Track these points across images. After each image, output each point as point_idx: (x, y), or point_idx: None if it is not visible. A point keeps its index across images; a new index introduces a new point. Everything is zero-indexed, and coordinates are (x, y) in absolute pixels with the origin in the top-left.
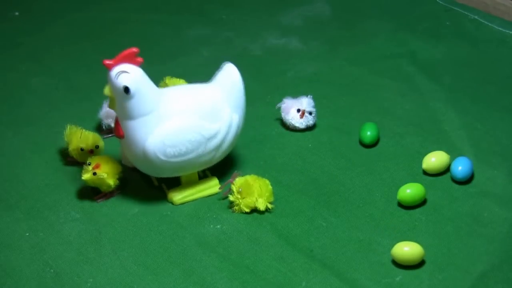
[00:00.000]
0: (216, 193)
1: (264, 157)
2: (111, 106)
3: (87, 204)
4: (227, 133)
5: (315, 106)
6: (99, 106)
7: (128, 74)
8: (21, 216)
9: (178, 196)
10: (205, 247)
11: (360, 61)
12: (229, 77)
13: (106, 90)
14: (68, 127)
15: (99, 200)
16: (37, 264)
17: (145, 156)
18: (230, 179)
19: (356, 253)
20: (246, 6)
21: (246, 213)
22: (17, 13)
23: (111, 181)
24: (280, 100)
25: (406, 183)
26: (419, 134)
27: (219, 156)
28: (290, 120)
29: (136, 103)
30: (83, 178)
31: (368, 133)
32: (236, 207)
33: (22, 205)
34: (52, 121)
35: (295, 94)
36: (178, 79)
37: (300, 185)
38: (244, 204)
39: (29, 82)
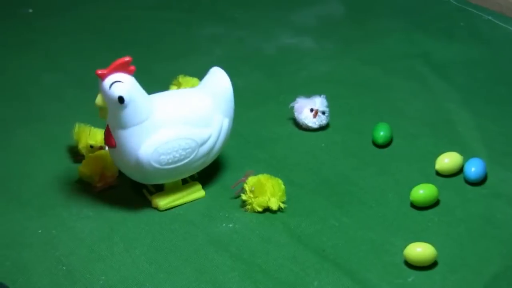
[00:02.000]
0: (202, 198)
1: (277, 157)
2: (101, 115)
3: (99, 201)
4: (218, 138)
5: (328, 106)
6: None
7: (122, 83)
8: (33, 213)
9: (163, 202)
10: (217, 246)
11: (373, 61)
12: (219, 81)
13: (98, 100)
14: (77, 125)
15: (98, 188)
16: (49, 261)
17: (138, 165)
18: (243, 178)
19: (369, 254)
20: (259, 5)
21: (259, 212)
22: (30, 10)
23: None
24: (293, 100)
25: (419, 183)
26: (432, 134)
27: (209, 160)
28: (303, 120)
29: (130, 112)
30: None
31: (381, 133)
32: (248, 206)
33: (34, 202)
34: (64, 119)
35: (308, 94)
36: (191, 78)
37: (313, 184)
38: (257, 203)
39: (41, 79)
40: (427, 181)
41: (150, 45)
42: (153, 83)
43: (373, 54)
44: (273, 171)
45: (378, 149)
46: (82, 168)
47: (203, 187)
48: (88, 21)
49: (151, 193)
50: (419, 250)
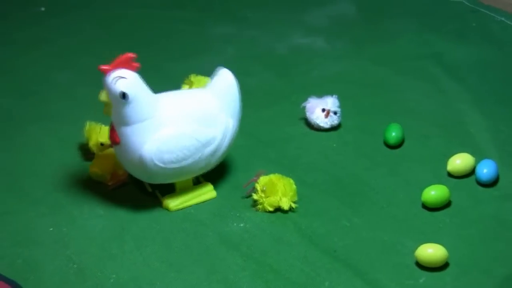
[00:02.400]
0: (213, 198)
1: (289, 156)
2: (106, 112)
3: (110, 200)
4: (223, 139)
5: (340, 106)
6: None
7: (125, 79)
8: (44, 211)
9: (174, 203)
10: (228, 246)
11: (385, 61)
12: (224, 82)
13: (102, 96)
14: (88, 123)
15: (110, 186)
16: (60, 259)
17: (141, 163)
18: (254, 177)
19: (380, 254)
20: (272, 5)
21: (270, 212)
22: (43, 9)
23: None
24: (305, 100)
25: (430, 184)
26: (444, 135)
27: (214, 161)
28: (315, 120)
29: (133, 109)
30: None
31: (393, 134)
32: (259, 206)
33: (46, 200)
34: (76, 117)
35: (320, 94)
36: (203, 77)
37: (324, 185)
38: (268, 203)
39: (53, 78)
40: (439, 182)
41: (163, 44)
42: (165, 82)
43: (385, 54)
44: (285, 171)
45: (390, 149)
46: (93, 168)
47: (214, 186)
48: (100, 19)
49: (162, 195)
50: (431, 251)
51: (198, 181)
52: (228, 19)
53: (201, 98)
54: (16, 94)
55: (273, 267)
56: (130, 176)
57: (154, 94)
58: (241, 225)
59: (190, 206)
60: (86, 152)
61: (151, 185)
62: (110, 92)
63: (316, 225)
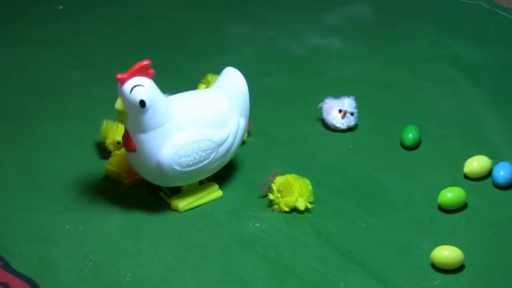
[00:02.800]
0: (220, 197)
1: (305, 157)
2: (121, 120)
3: (126, 198)
4: (235, 137)
5: (357, 107)
6: None
7: (142, 87)
8: (61, 209)
9: (182, 204)
10: (244, 245)
11: (402, 63)
12: (234, 82)
13: (118, 104)
14: (104, 122)
15: (126, 184)
16: (76, 257)
17: (159, 168)
18: (270, 177)
19: (395, 256)
20: (289, 5)
21: (286, 212)
22: (61, 7)
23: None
24: (322, 100)
25: (446, 186)
26: (461, 137)
27: (226, 160)
28: (332, 121)
29: (151, 116)
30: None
31: (410, 136)
32: (275, 206)
33: (62, 197)
34: (92, 115)
35: (337, 94)
36: None
37: (340, 185)
38: (284, 203)
39: (70, 76)
40: (455, 184)
41: (180, 44)
42: (182, 81)
43: (402, 55)
44: (301, 171)
45: (406, 151)
46: (109, 166)
47: (230, 186)
48: (118, 18)
49: (168, 196)
50: (446, 253)
51: (202, 181)
52: (245, 19)
53: (212, 99)
54: (33, 92)
55: (288, 267)
56: None
57: (167, 99)
58: (257, 225)
59: (198, 206)
60: (102, 150)
61: (155, 187)
62: (127, 101)
63: (332, 225)
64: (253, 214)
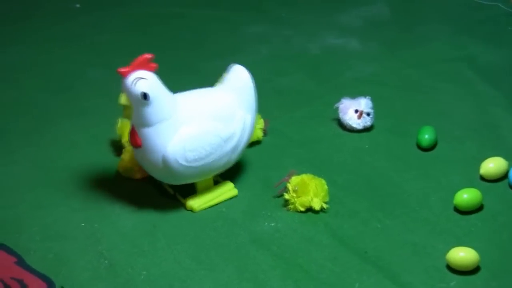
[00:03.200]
0: (235, 196)
1: (321, 157)
2: (126, 115)
3: (142, 197)
4: (242, 134)
5: (373, 107)
6: None
7: (145, 80)
8: (77, 207)
9: (197, 204)
10: (259, 245)
11: (418, 63)
12: (240, 79)
13: (122, 99)
14: (120, 120)
15: (138, 179)
16: (91, 255)
17: (165, 163)
18: (286, 177)
19: (411, 257)
20: (306, 5)
21: (301, 212)
22: (78, 5)
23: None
24: (337, 100)
25: (462, 188)
26: (477, 139)
27: (234, 158)
28: (348, 121)
29: (154, 109)
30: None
31: (426, 137)
32: (291, 206)
33: (78, 195)
34: (108, 113)
35: (353, 95)
36: None
37: (356, 186)
38: (299, 203)
39: (87, 74)
40: (471, 186)
41: (196, 43)
42: (198, 81)
43: (419, 56)
44: (316, 171)
45: (422, 152)
46: (122, 162)
47: (246, 185)
48: (134, 17)
49: (172, 193)
50: (462, 255)
51: (215, 181)
52: (262, 19)
53: (218, 96)
54: (50, 90)
55: (303, 267)
56: None
57: (172, 94)
58: (272, 224)
59: (213, 205)
60: (118, 148)
61: (172, 187)
62: (130, 94)
63: (347, 226)
64: (269, 214)
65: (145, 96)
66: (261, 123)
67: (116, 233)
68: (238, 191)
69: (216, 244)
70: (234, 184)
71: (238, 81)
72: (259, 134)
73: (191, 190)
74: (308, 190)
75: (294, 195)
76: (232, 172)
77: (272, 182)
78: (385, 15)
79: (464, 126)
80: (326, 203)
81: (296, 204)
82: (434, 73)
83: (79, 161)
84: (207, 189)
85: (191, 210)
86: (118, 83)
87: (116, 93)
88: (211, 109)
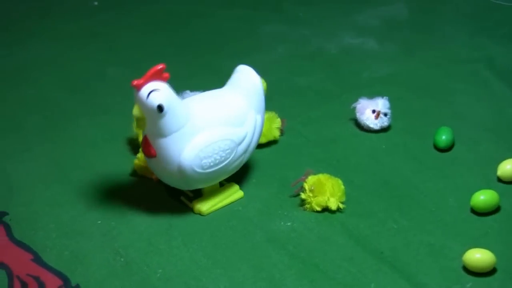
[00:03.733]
0: (241, 198)
1: (337, 157)
2: (139, 126)
3: (158, 195)
4: (253, 135)
5: (390, 108)
6: None
7: (159, 91)
8: (93, 204)
9: (206, 207)
10: (275, 244)
11: (436, 64)
12: (249, 79)
13: (136, 111)
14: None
15: (155, 179)
16: (107, 252)
17: (181, 171)
18: (303, 177)
19: (427, 258)
20: (323, 5)
21: (317, 211)
22: (96, 3)
23: None
24: (355, 100)
25: (479, 189)
26: (495, 140)
27: (246, 159)
28: (365, 121)
29: (169, 120)
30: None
31: (443, 137)
32: (307, 205)
33: (95, 193)
34: (126, 111)
35: (370, 95)
36: None
37: (372, 186)
38: (316, 202)
39: (105, 72)
40: (488, 187)
41: (214, 42)
42: (216, 79)
43: (437, 57)
44: (333, 171)
45: (439, 153)
46: (137, 161)
47: (262, 184)
48: (152, 15)
49: (190, 199)
50: (478, 256)
51: (221, 183)
52: (279, 18)
53: (229, 99)
54: (68, 88)
55: (319, 267)
56: None
57: (184, 101)
58: (288, 224)
59: (221, 208)
60: (135, 147)
61: (178, 191)
62: (145, 106)
63: (363, 226)
64: (285, 213)
65: (160, 108)
66: (278, 123)
67: (132, 231)
68: (255, 190)
69: (232, 243)
70: (250, 183)
71: (248, 82)
72: (276, 133)
73: (196, 193)
74: (325, 190)
75: (311, 194)
76: (248, 171)
77: (288, 182)
78: (403, 15)
79: (482, 127)
80: (342, 203)
81: (313, 204)
82: (452, 74)
83: (96, 159)
84: (213, 191)
85: (200, 214)
86: None
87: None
88: (223, 114)
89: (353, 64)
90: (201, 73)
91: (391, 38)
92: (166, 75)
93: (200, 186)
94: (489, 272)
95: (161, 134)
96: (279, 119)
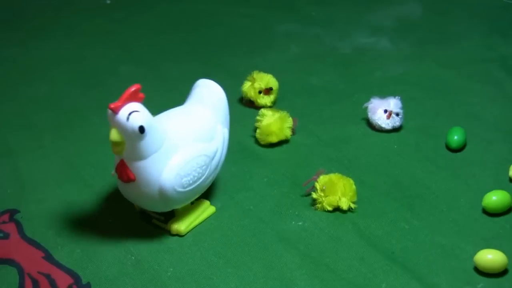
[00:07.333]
0: (214, 213)
1: (349, 156)
2: (117, 151)
3: None
4: (222, 149)
5: (403, 108)
6: (186, 96)
7: (138, 113)
8: (104, 202)
9: (183, 226)
10: (286, 243)
11: (449, 64)
12: (214, 93)
13: (114, 135)
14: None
15: None
16: (118, 251)
17: (162, 193)
18: (314, 176)
19: (438, 258)
20: (336, 4)
21: (329, 211)
22: (108, 1)
23: None
24: (367, 100)
25: (492, 190)
26: (508, 141)
27: (217, 174)
28: (377, 121)
29: (149, 141)
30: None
31: (456, 137)
32: (318, 205)
33: (106, 191)
34: None
35: (382, 94)
36: (265, 74)
37: (384, 186)
38: (327, 202)
39: (118, 70)
40: (501, 188)
41: (227, 40)
42: (228, 78)
43: (450, 57)
44: (345, 171)
45: (452, 153)
46: None
47: (274, 184)
48: (165, 13)
49: (162, 221)
50: (490, 257)
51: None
52: (292, 17)
53: (198, 114)
54: (81, 86)
55: (330, 267)
56: None
57: (158, 121)
58: (300, 223)
59: (196, 226)
60: None
61: (148, 214)
62: (124, 129)
63: (375, 226)
64: (296, 213)
65: (141, 129)
66: (290, 122)
67: (144, 230)
68: (266, 190)
69: (243, 242)
70: (262, 182)
71: (213, 96)
72: (287, 133)
73: (167, 214)
74: (336, 189)
75: (322, 194)
76: (259, 170)
77: (300, 181)
78: (417, 15)
79: (495, 128)
80: (354, 203)
81: (324, 204)
82: (465, 73)
83: (108, 157)
84: (186, 210)
85: (178, 235)
86: (149, 80)
87: (146, 90)
88: (195, 130)
89: (366, 64)
90: (213, 71)
91: (404, 37)
92: (142, 95)
93: (178, 206)
94: (501, 273)
95: (141, 156)
96: (291, 119)
